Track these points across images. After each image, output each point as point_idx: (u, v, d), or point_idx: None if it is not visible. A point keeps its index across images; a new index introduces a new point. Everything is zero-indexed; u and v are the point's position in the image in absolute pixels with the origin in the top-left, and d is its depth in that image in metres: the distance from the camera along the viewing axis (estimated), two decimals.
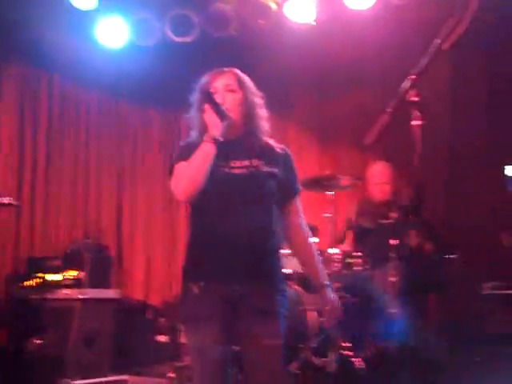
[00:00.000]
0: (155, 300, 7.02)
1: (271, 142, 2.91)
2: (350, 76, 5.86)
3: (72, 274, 5.56)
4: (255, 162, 2.80)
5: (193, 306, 2.77)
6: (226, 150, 2.76)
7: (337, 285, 5.12)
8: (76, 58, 6.31)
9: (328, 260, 5.00)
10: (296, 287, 5.25)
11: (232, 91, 2.81)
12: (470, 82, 5.91)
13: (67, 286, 5.50)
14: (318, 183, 5.18)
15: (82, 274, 5.57)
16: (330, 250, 5.17)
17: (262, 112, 2.89)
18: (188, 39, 5.79)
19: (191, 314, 2.77)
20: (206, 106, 2.77)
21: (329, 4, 5.31)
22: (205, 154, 2.70)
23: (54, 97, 6.70)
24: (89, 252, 5.79)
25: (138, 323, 6.28)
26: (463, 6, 1.89)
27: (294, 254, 3.05)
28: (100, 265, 5.82)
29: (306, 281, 5.43)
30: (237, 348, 2.78)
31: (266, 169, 2.80)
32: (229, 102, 2.78)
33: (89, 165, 6.90)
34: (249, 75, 2.95)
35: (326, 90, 6.50)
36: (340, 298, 5.12)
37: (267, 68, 6.11)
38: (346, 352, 4.81)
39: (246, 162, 2.80)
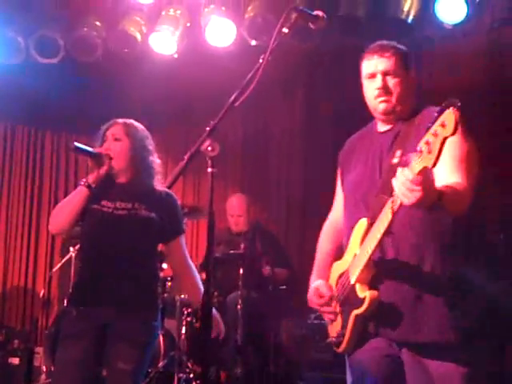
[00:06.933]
0: (9, 321, 6.85)
1: (158, 187, 3.21)
2: (214, 106, 6.04)
3: None
4: (137, 206, 3.14)
5: (67, 326, 3.13)
6: (114, 191, 3.15)
7: (187, 311, 5.27)
8: None
9: None
10: None
11: (118, 140, 3.16)
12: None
13: None
14: None
15: None
16: None
17: (151, 158, 3.22)
18: (53, 61, 5.76)
19: (64, 334, 3.10)
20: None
21: (190, 39, 5.49)
22: (75, 197, 3.12)
23: None
24: None
25: None
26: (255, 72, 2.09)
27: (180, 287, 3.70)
28: None
29: None
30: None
31: (145, 213, 3.12)
32: (114, 149, 3.14)
33: None
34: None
35: (190, 119, 6.63)
36: (190, 323, 5.29)
37: (132, 95, 6.21)
38: (193, 375, 4.96)
39: (129, 205, 3.14)
